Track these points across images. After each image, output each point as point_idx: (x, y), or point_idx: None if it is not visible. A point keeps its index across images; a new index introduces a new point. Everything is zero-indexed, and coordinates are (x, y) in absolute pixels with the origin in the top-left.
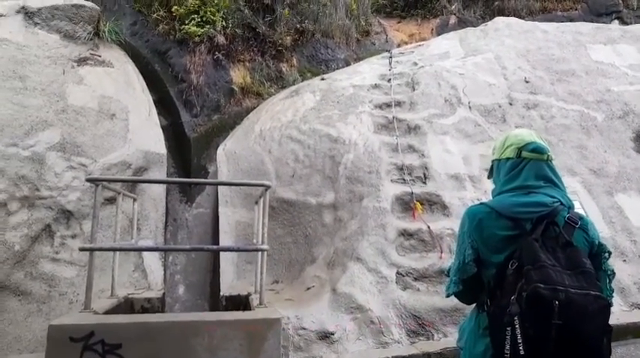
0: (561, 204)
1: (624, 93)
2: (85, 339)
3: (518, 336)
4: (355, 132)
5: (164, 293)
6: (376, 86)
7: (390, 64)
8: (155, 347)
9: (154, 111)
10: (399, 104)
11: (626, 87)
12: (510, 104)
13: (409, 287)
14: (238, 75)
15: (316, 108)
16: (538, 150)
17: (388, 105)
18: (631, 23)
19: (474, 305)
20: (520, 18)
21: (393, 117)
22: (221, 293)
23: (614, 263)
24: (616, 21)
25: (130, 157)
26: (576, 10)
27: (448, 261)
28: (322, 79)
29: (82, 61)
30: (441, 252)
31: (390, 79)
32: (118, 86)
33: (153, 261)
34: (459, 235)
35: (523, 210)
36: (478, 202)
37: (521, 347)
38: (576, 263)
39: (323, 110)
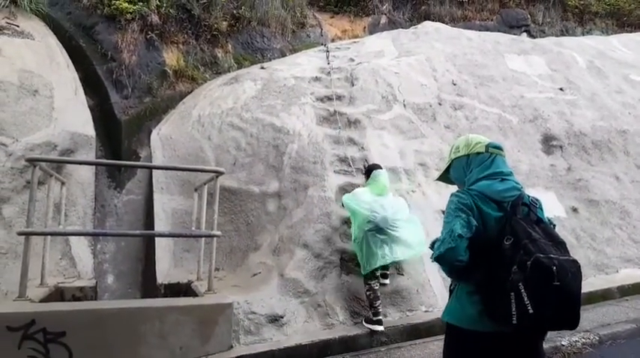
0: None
1: (534, 100)
2: (25, 328)
3: (525, 298)
4: (299, 123)
5: (97, 283)
6: (317, 79)
7: (327, 57)
8: (103, 335)
9: (81, 89)
10: (339, 98)
11: (536, 94)
12: (440, 104)
13: (352, 272)
14: (172, 57)
15: (258, 96)
16: (500, 147)
17: (329, 99)
18: (537, 36)
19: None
20: (444, 23)
21: (335, 111)
22: (159, 281)
23: None
24: (524, 33)
25: (55, 138)
26: (492, 20)
27: None
28: (262, 68)
29: None
30: None
31: (329, 73)
32: (40, 60)
33: (81, 249)
34: (454, 208)
35: (505, 194)
36: (460, 190)
37: (529, 307)
38: (552, 235)
39: (265, 99)
